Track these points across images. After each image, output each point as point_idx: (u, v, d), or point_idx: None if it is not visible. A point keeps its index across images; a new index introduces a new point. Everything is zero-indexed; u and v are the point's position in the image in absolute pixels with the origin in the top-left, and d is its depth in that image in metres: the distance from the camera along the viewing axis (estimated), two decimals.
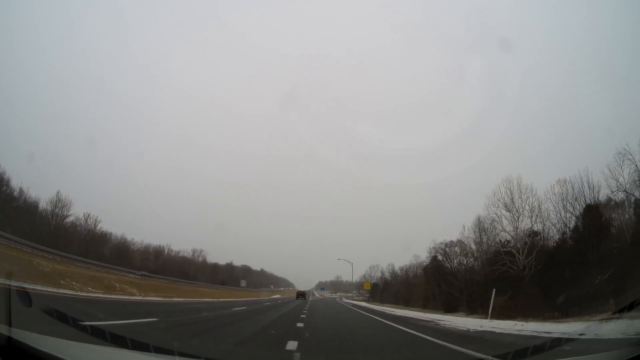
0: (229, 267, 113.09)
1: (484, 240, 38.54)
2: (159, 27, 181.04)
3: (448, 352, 10.32)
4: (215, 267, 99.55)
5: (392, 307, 47.18)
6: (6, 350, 2.53)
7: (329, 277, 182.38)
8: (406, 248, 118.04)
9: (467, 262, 42.27)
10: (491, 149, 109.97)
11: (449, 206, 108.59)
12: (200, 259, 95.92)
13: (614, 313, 15.14)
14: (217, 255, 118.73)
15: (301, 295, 78.69)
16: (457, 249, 45.81)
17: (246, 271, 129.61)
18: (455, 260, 43.87)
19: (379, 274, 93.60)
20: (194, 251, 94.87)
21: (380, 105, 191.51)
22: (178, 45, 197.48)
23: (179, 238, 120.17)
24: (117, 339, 5.37)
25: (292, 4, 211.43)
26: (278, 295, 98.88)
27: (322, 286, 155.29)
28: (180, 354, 5.18)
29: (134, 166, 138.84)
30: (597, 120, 68.32)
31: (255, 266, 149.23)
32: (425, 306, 45.56)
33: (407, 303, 54.85)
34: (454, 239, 46.26)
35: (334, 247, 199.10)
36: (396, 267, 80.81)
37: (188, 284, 58.32)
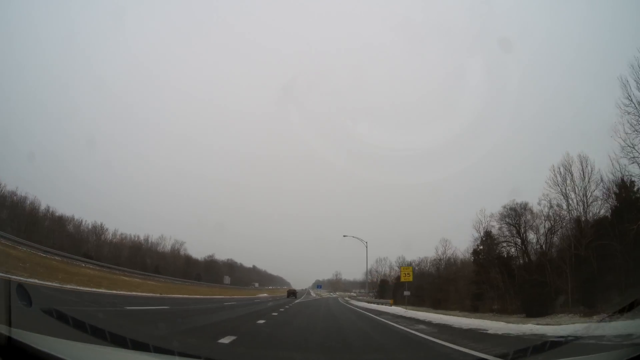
0: (210, 262, 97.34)
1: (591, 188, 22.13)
2: (158, 27, 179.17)
3: (447, 351, 8.32)
4: (189, 260, 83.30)
5: (450, 316, 30.26)
6: (6, 350, 2.44)
7: (327, 275, 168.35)
8: (406, 248, 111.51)
9: (548, 232, 25.59)
10: (490, 149, 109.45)
11: (449, 205, 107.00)
12: (168, 249, 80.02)
13: None
14: (218, 254, 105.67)
15: (292, 294, 74.37)
16: (526, 217, 29.22)
17: (232, 267, 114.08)
18: (533, 234, 27.06)
19: (387, 269, 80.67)
20: (164, 240, 78.94)
21: (381, 104, 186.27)
22: (177, 45, 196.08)
23: (176, 237, 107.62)
24: (117, 339, 5.07)
25: (293, 4, 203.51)
26: (265, 294, 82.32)
27: (318, 284, 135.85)
28: (180, 354, 4.89)
29: (132, 164, 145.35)
30: (598, 119, 61.63)
31: (248, 263, 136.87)
32: (476, 309, 28.79)
33: (437, 305, 38.11)
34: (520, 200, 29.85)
35: (333, 247, 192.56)
36: (406, 260, 66.30)
37: (102, 270, 42.29)
